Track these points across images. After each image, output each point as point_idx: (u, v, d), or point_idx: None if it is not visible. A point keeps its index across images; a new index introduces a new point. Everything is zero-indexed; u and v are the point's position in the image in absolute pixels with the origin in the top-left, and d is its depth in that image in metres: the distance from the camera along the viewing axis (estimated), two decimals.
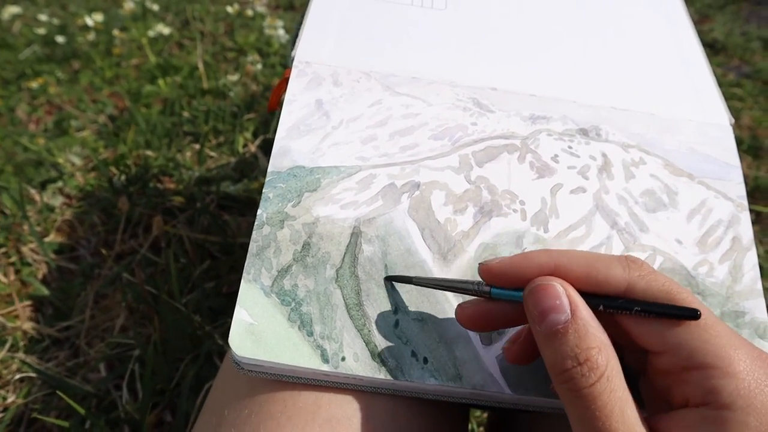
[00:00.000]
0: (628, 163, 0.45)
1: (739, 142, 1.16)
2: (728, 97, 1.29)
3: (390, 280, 0.37)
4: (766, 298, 0.40)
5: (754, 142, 1.17)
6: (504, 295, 0.32)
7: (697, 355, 0.27)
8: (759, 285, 0.41)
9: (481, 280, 0.33)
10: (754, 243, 0.42)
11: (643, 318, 0.29)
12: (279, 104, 0.44)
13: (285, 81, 0.46)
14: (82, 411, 0.60)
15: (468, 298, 0.36)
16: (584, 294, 0.29)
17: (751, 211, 1.03)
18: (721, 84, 1.33)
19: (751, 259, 0.42)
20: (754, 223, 1.02)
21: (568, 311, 0.28)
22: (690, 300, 0.28)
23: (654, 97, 0.49)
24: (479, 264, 0.32)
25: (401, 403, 0.37)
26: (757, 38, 1.53)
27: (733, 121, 0.48)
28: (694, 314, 0.28)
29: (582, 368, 0.27)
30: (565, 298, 0.28)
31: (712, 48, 1.49)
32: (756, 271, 0.41)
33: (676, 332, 0.28)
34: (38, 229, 0.86)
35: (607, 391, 0.26)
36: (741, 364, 0.26)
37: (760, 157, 1.15)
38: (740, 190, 0.44)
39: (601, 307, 0.30)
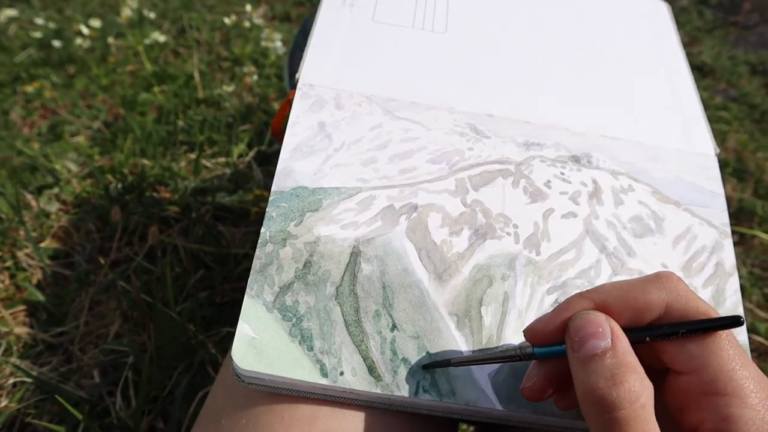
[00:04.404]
0: (618, 189, 0.46)
1: (725, 165, 1.18)
2: (715, 120, 1.32)
3: (428, 368, 0.37)
4: (747, 320, 0.42)
5: (740, 165, 1.19)
6: (548, 352, 0.32)
7: (720, 381, 0.28)
8: (740, 309, 0.43)
9: (520, 344, 0.34)
10: (736, 268, 0.44)
11: (678, 338, 0.30)
12: (283, 126, 0.46)
13: (288, 102, 0.47)
14: (79, 416, 0.61)
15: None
16: (626, 330, 0.30)
17: (735, 232, 1.05)
18: (708, 107, 1.36)
19: (733, 284, 0.43)
20: (738, 244, 1.04)
21: (609, 339, 0.28)
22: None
23: (644, 126, 0.51)
24: (523, 331, 0.33)
25: (396, 417, 0.38)
26: (744, 62, 1.56)
27: (718, 151, 0.50)
28: (737, 321, 0.28)
29: (617, 389, 0.27)
30: (607, 326, 0.29)
31: (700, 71, 1.52)
32: (738, 296, 0.43)
33: (704, 355, 0.29)
34: (34, 234, 0.87)
35: (641, 420, 0.26)
36: (757, 397, 0.28)
37: (744, 180, 1.17)
38: (724, 218, 0.46)
39: (647, 339, 0.30)
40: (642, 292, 0.30)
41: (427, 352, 0.37)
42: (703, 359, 0.29)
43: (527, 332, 0.33)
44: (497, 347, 0.38)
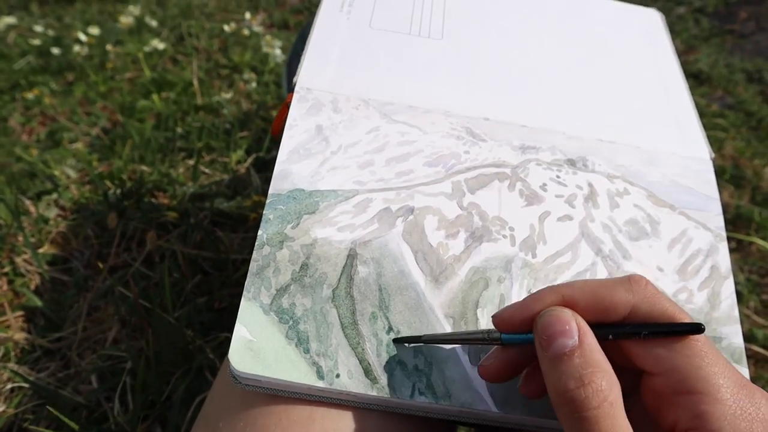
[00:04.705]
0: (613, 193, 0.46)
1: (722, 172, 1.19)
2: (711, 128, 1.32)
3: (399, 342, 0.38)
4: (745, 326, 0.42)
5: (737, 172, 1.20)
6: (515, 339, 0.33)
7: (690, 380, 0.29)
8: (736, 312, 0.43)
9: (489, 328, 0.35)
10: (731, 272, 0.44)
11: (644, 340, 0.30)
12: (282, 129, 0.46)
13: (287, 106, 0.48)
14: (75, 426, 0.61)
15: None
16: (593, 325, 0.30)
17: (732, 239, 1.06)
18: (705, 114, 1.36)
19: (728, 287, 0.43)
20: (735, 250, 1.04)
21: (576, 337, 0.29)
22: (690, 321, 0.30)
23: (639, 130, 0.51)
24: (492, 316, 0.34)
25: (392, 419, 0.38)
26: (741, 70, 1.57)
27: (713, 155, 0.50)
28: (698, 328, 0.29)
29: (585, 389, 0.27)
30: (574, 324, 0.30)
31: (696, 79, 1.52)
32: (733, 299, 0.43)
33: (673, 356, 0.29)
34: (32, 240, 0.87)
35: (609, 417, 0.27)
36: (728, 392, 0.28)
37: (742, 187, 1.17)
38: (719, 222, 0.47)
39: (610, 337, 0.31)
40: (610, 292, 0.31)
41: (423, 354, 0.38)
42: (671, 360, 0.30)
43: (496, 319, 0.34)
44: (468, 331, 0.38)
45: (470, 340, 0.35)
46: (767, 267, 1.01)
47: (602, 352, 0.29)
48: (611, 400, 0.27)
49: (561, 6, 0.61)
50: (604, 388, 0.27)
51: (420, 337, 0.37)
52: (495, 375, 0.35)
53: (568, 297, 0.32)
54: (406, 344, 0.38)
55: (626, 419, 0.28)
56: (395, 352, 0.37)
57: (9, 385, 0.71)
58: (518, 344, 0.33)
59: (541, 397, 0.35)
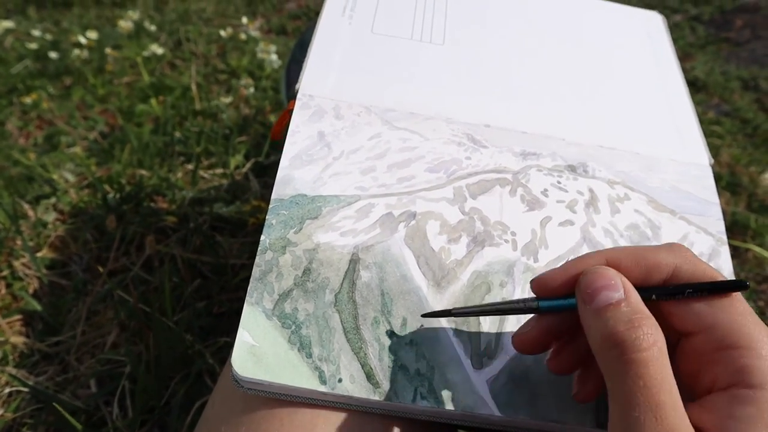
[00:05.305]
0: (614, 198, 0.47)
1: (718, 179, 1.19)
2: (708, 135, 1.33)
3: (428, 317, 0.38)
4: None
5: (733, 179, 1.20)
6: (554, 306, 0.33)
7: (731, 335, 0.29)
8: None
9: (525, 297, 0.34)
10: (733, 276, 0.44)
11: (684, 300, 0.31)
12: (282, 134, 0.46)
13: (288, 112, 0.48)
14: (78, 426, 0.61)
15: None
16: (636, 288, 0.30)
17: (729, 245, 1.06)
18: (702, 121, 1.37)
19: None
20: (732, 257, 1.05)
21: (622, 291, 0.29)
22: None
23: (639, 136, 0.51)
24: (531, 281, 0.34)
25: (395, 423, 0.38)
26: (737, 78, 1.58)
27: (712, 161, 0.51)
28: (743, 285, 0.30)
29: (636, 331, 0.27)
30: (619, 280, 0.30)
31: (693, 86, 1.53)
32: None
33: (713, 313, 0.30)
34: (31, 243, 0.86)
35: (659, 362, 0.27)
36: None
37: (738, 194, 1.18)
38: (720, 226, 0.47)
39: (653, 297, 0.31)
40: (653, 253, 0.32)
41: (425, 359, 0.38)
42: (713, 316, 0.30)
43: (535, 283, 0.34)
44: (503, 301, 0.37)
45: (505, 310, 0.35)
46: (764, 274, 1.02)
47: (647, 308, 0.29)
48: (660, 346, 0.27)
49: (562, 12, 0.62)
50: (654, 332, 0.28)
51: (449, 310, 0.36)
52: (531, 345, 0.34)
53: (612, 258, 0.32)
54: (435, 318, 0.38)
55: (671, 371, 0.27)
56: (397, 357, 0.38)
57: (7, 389, 0.70)
58: (556, 311, 0.33)
59: (569, 373, 0.35)
